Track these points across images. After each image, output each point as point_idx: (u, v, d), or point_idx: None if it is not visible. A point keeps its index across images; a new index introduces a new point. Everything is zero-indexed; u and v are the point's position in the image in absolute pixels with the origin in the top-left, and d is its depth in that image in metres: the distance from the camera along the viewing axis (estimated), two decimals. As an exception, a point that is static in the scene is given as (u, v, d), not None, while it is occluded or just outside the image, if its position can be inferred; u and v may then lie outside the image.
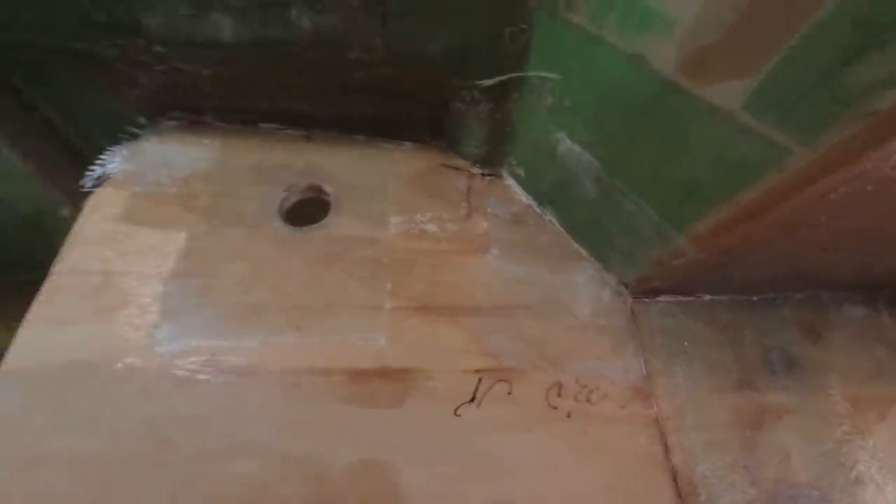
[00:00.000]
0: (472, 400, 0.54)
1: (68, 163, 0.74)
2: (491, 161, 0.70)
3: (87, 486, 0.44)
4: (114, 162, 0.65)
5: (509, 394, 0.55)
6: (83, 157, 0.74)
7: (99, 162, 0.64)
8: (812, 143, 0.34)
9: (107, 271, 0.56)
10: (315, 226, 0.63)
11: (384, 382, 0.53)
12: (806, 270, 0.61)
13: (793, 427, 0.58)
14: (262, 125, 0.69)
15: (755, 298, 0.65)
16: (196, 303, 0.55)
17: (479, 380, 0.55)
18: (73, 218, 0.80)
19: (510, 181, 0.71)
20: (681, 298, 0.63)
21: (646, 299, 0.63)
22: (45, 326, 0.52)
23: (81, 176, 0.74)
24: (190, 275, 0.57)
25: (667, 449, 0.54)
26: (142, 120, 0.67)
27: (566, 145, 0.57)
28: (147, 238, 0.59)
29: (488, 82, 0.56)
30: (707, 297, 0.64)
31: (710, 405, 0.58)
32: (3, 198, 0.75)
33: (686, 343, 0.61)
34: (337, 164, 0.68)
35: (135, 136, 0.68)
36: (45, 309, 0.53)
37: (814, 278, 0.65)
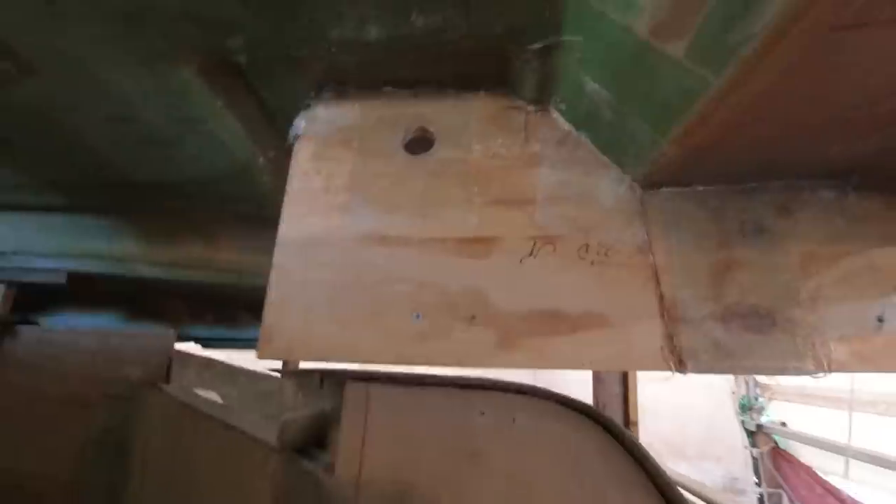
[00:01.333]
0: (531, 254, 0.88)
1: (265, 127, 1.15)
2: (540, 101, 0.99)
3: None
4: (300, 124, 1.04)
5: (554, 250, 0.88)
6: (274, 123, 1.14)
7: (292, 126, 1.04)
8: (717, 73, 0.60)
9: (310, 182, 0.97)
10: (426, 154, 0.99)
11: (478, 245, 0.89)
12: (777, 160, 0.84)
13: (753, 271, 0.85)
14: (384, 89, 1.04)
15: (739, 187, 0.90)
16: (366, 200, 0.94)
17: (534, 242, 0.89)
18: (268, 165, 1.24)
19: (555, 114, 0.99)
20: (678, 189, 0.90)
21: (652, 190, 0.91)
22: (290, 217, 0.94)
23: (273, 135, 1.16)
24: (358, 187, 0.96)
25: (657, 282, 0.85)
26: (311, 95, 1.05)
27: (590, 85, 0.84)
28: (327, 163, 0.99)
29: (536, 46, 0.85)
30: (700, 188, 0.90)
31: (692, 258, 0.86)
32: (229, 148, 1.19)
33: (679, 219, 0.89)
34: (436, 111, 1.02)
35: (307, 107, 1.06)
36: (289, 208, 0.95)
37: (788, 168, 0.87)
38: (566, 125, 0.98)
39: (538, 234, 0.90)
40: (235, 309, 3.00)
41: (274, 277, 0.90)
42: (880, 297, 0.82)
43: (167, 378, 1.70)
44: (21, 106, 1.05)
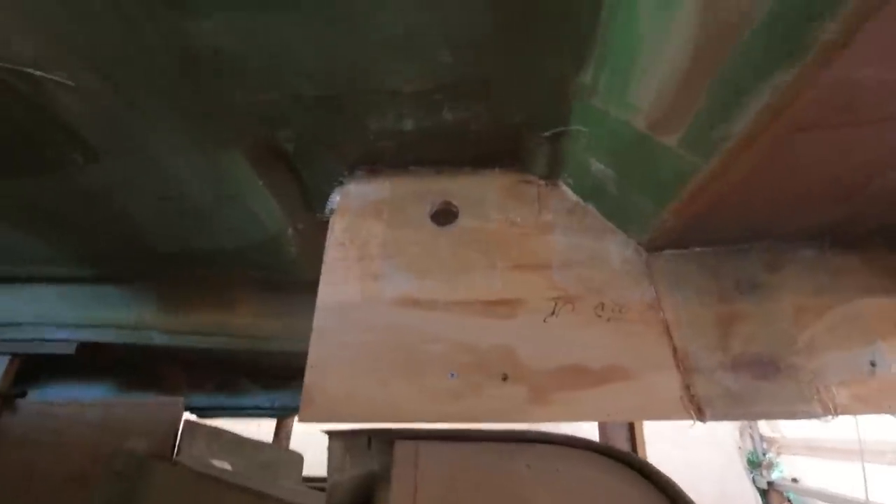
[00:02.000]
0: (553, 313, 0.97)
1: (298, 202, 1.27)
2: (550, 176, 1.13)
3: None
4: (335, 199, 1.16)
5: (573, 309, 0.97)
6: (306, 198, 1.26)
7: (328, 201, 1.16)
8: (706, 160, 0.73)
9: (346, 251, 1.06)
10: (451, 224, 1.10)
11: (503, 306, 0.98)
12: (760, 226, 0.97)
13: (752, 322, 0.94)
14: (411, 168, 1.17)
15: (731, 247, 1.02)
16: (399, 267, 1.03)
17: (556, 303, 0.98)
18: (296, 236, 1.34)
19: (564, 187, 1.13)
20: (678, 251, 1.02)
21: (655, 253, 1.02)
22: (327, 284, 1.02)
23: (304, 209, 1.28)
24: (390, 255, 1.05)
25: (670, 336, 0.93)
26: (344, 173, 1.18)
27: (596, 165, 0.98)
28: (361, 234, 1.09)
29: (547, 133, 0.99)
30: (697, 249, 1.02)
31: (698, 312, 0.96)
32: (262, 220, 1.29)
33: (682, 277, 0.99)
34: (457, 186, 1.14)
35: (340, 184, 1.19)
36: (327, 276, 1.03)
37: (771, 232, 1.00)
38: (574, 196, 1.11)
39: (558, 294, 0.99)
40: (237, 376, 2.95)
41: (314, 340, 0.96)
42: (869, 344, 0.91)
43: (174, 449, 1.66)
44: (77, 189, 1.14)
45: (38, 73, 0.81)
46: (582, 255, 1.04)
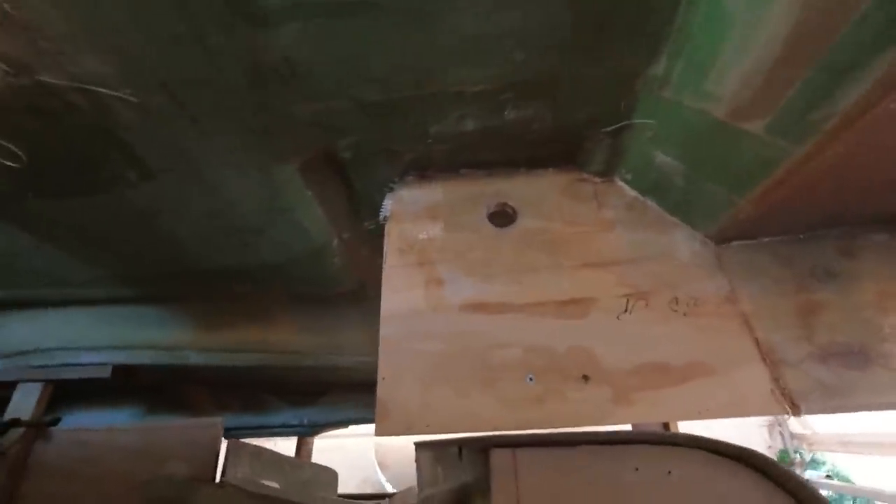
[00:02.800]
0: (626, 310, 0.94)
1: (346, 211, 1.25)
2: (606, 173, 1.11)
3: (444, 360, 0.90)
4: (388, 205, 1.14)
5: (647, 305, 0.94)
6: (354, 207, 1.24)
7: (382, 208, 1.14)
8: (797, 145, 0.71)
9: (405, 258, 1.04)
10: (510, 226, 1.08)
11: (575, 306, 0.95)
12: (837, 213, 0.95)
13: (835, 311, 0.91)
14: (462, 171, 1.16)
15: (800, 236, 0.99)
16: (462, 271, 1.01)
17: (627, 300, 0.95)
18: (341, 246, 1.32)
19: (620, 183, 1.11)
20: (747, 242, 0.99)
21: (724, 245, 1.00)
22: (391, 292, 1.00)
23: (350, 218, 1.26)
24: (451, 259, 1.03)
25: (750, 328, 0.91)
26: (395, 179, 1.16)
27: (661, 157, 0.97)
28: (419, 239, 1.07)
29: (610, 129, 0.98)
30: (766, 239, 1.00)
31: (777, 302, 0.93)
32: (309, 233, 1.27)
33: (755, 268, 0.97)
34: (512, 187, 1.13)
35: (390, 190, 1.17)
36: (389, 283, 1.01)
37: (845, 218, 0.98)
38: (632, 192, 1.09)
39: (629, 291, 0.96)
40: (262, 394, 2.91)
41: (383, 352, 0.93)
42: (959, 328, 0.88)
43: (215, 471, 1.62)
44: (127, 209, 1.13)
45: (103, 90, 0.80)
46: (648, 250, 1.01)
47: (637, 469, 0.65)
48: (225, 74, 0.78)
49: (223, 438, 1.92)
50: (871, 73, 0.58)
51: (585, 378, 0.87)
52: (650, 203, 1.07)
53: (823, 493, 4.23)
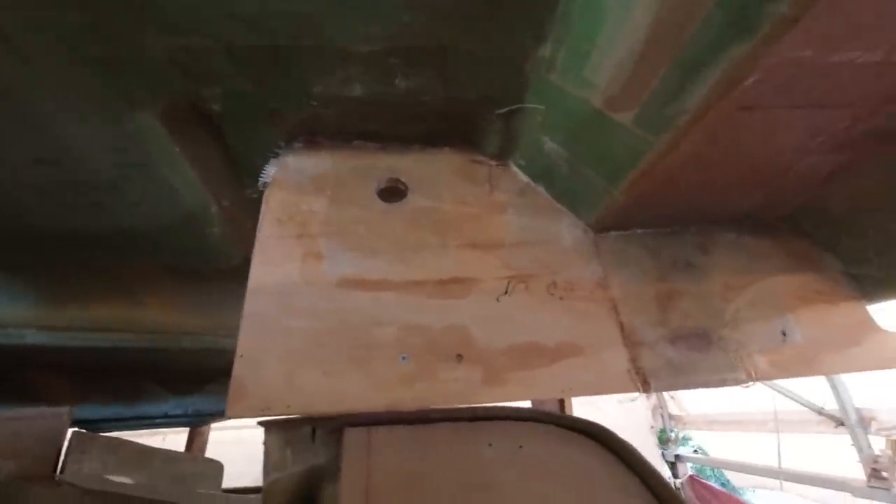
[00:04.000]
0: (506, 292, 0.95)
1: (223, 174, 1.12)
2: (502, 156, 1.11)
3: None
4: (270, 171, 1.04)
5: (526, 288, 0.96)
6: (233, 171, 1.12)
7: (262, 174, 1.03)
8: (658, 137, 0.75)
9: (283, 228, 0.95)
10: (400, 202, 1.03)
11: (456, 286, 0.94)
12: (694, 211, 1.04)
13: (689, 299, 1.00)
14: (355, 142, 1.09)
15: (667, 230, 1.08)
16: (344, 246, 0.94)
17: (509, 282, 0.96)
18: (221, 215, 1.19)
19: (514, 168, 1.12)
20: (622, 232, 1.05)
21: (602, 234, 1.05)
22: (262, 264, 0.91)
23: (230, 183, 1.13)
24: (334, 234, 0.96)
25: (617, 312, 0.96)
26: (280, 144, 1.06)
27: (549, 144, 0.98)
28: (301, 210, 0.98)
29: (502, 110, 0.97)
30: (639, 231, 1.07)
31: (641, 289, 1.00)
32: (180, 195, 1.11)
33: (626, 257, 1.03)
34: (406, 164, 1.08)
35: (275, 155, 1.06)
36: (262, 254, 0.92)
37: (702, 216, 1.07)
38: (525, 178, 1.11)
39: (510, 273, 0.97)
40: (138, 381, 2.59)
41: (245, 327, 0.84)
42: (781, 316, 1.01)
43: (55, 468, 1.39)
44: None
45: None
46: (534, 235, 1.03)
47: (491, 444, 0.65)
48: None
49: (76, 431, 1.66)
50: (713, 72, 0.62)
51: (459, 357, 0.86)
52: (540, 189, 1.09)
53: (689, 464, 4.87)
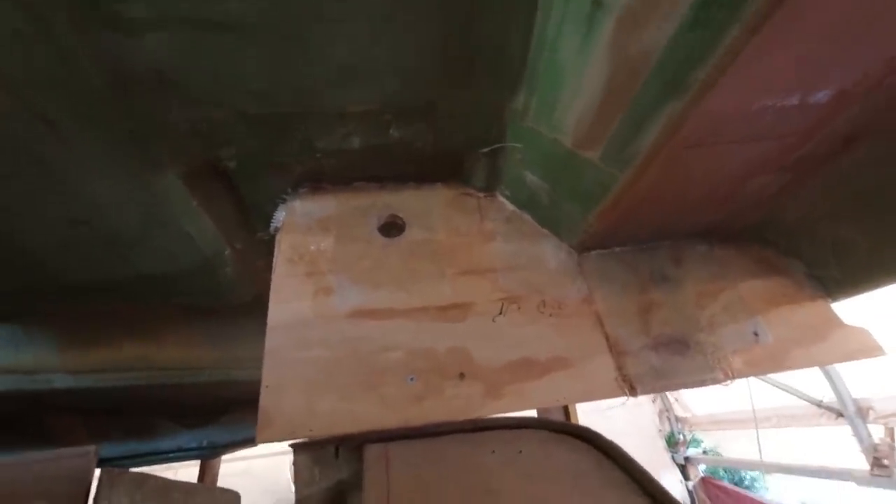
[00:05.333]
0: (501, 313, 1.05)
1: (237, 221, 1.22)
2: (489, 189, 1.22)
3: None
4: (280, 216, 1.14)
5: (518, 308, 1.06)
6: (246, 217, 1.22)
7: (273, 219, 1.14)
8: (622, 171, 0.86)
9: (295, 268, 1.05)
10: (399, 237, 1.14)
11: (455, 310, 1.04)
12: (666, 228, 1.15)
13: (666, 308, 1.10)
14: (355, 184, 1.20)
15: (643, 246, 1.19)
16: (350, 280, 1.04)
17: (502, 303, 1.06)
18: (233, 256, 1.29)
19: (501, 198, 1.23)
20: (602, 251, 1.16)
21: (584, 254, 1.15)
22: (278, 302, 1.01)
23: (242, 228, 1.24)
24: (341, 269, 1.07)
25: (602, 325, 1.06)
26: (288, 190, 1.17)
27: (530, 177, 1.10)
28: (309, 250, 1.09)
29: (485, 150, 1.09)
30: (617, 249, 1.17)
31: (623, 302, 1.10)
32: (196, 243, 1.22)
33: (607, 273, 1.13)
34: (402, 200, 1.19)
35: (283, 201, 1.17)
36: (277, 293, 1.01)
37: (673, 232, 1.18)
38: (511, 206, 1.22)
39: (504, 296, 1.07)
40: (151, 417, 2.65)
41: (268, 361, 0.94)
42: (751, 318, 1.12)
43: (86, 507, 1.45)
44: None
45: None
46: (522, 258, 1.14)
47: (493, 451, 0.74)
48: (81, 77, 0.75)
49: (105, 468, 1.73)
50: (657, 122, 0.74)
51: (462, 376, 0.95)
52: (526, 216, 1.20)
53: (702, 466, 4.88)
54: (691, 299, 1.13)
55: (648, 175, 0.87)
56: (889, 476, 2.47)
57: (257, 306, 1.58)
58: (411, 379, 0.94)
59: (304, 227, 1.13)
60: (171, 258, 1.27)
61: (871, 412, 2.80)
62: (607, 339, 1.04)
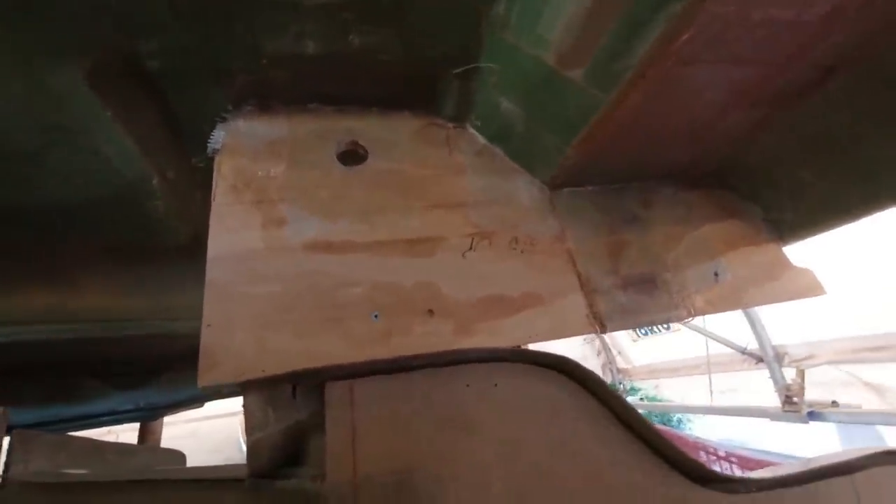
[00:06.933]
0: (471, 248, 0.98)
1: (166, 142, 1.04)
2: (459, 119, 1.13)
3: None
4: (219, 137, 0.98)
5: (490, 244, 1.00)
6: (177, 138, 1.05)
7: (210, 140, 0.97)
8: (607, 92, 0.80)
9: (240, 196, 0.92)
10: (361, 165, 1.02)
11: (423, 244, 0.96)
12: (637, 167, 1.12)
13: (635, 248, 1.09)
14: (310, 105, 1.05)
15: (614, 186, 1.16)
16: (306, 210, 0.93)
17: (473, 238, 0.99)
18: (165, 187, 1.12)
19: (472, 130, 1.14)
20: (575, 189, 1.12)
21: (557, 191, 1.11)
22: (221, 231, 0.87)
23: (174, 152, 1.07)
24: (295, 198, 0.94)
25: (574, 263, 1.03)
26: (228, 107, 1.00)
27: (505, 104, 1.01)
28: (257, 176, 0.95)
29: (458, 70, 0.98)
30: (590, 187, 1.14)
31: (594, 241, 1.07)
32: (114, 166, 1.03)
33: (579, 211, 1.10)
34: (364, 127, 1.07)
35: (223, 120, 1.01)
36: (219, 222, 0.88)
37: (643, 172, 1.16)
38: (482, 139, 1.13)
39: (474, 231, 1.01)
40: (77, 377, 2.40)
41: (210, 296, 0.82)
42: (713, 260, 1.13)
43: (-2, 473, 1.28)
44: None
45: None
46: (494, 194, 1.07)
47: (468, 385, 0.69)
48: None
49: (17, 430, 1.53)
50: (655, 28, 0.67)
51: (430, 312, 0.89)
52: (497, 150, 1.13)
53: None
54: (659, 240, 1.13)
55: (632, 98, 0.81)
56: (798, 412, 2.80)
57: (198, 248, 1.41)
58: (375, 316, 0.86)
59: (250, 150, 0.98)
60: (84, 184, 1.08)
61: (786, 357, 3.13)
62: (579, 277, 1.02)
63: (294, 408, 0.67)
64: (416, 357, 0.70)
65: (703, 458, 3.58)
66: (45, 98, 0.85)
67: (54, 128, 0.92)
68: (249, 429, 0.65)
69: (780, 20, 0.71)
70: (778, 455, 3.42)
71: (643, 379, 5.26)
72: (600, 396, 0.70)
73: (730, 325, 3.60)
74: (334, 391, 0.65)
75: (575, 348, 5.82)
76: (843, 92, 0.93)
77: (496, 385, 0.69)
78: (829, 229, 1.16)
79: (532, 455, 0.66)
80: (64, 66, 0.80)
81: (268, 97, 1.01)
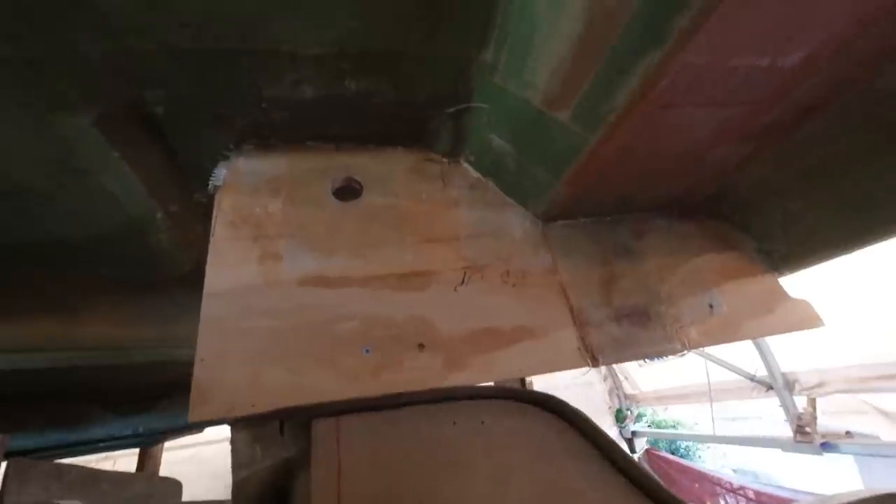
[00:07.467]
0: (463, 282, 1.00)
1: (169, 180, 1.09)
2: (453, 154, 1.16)
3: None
4: (220, 174, 1.02)
5: (482, 277, 1.01)
6: (180, 176, 1.09)
7: (212, 177, 1.01)
8: (593, 133, 0.83)
9: (237, 231, 0.94)
10: (355, 200, 1.05)
11: (416, 278, 0.97)
12: (629, 200, 1.14)
13: (628, 280, 1.10)
14: (307, 143, 1.09)
15: (607, 218, 1.17)
16: (302, 246, 0.95)
17: (465, 272, 1.01)
18: (167, 222, 1.16)
19: (465, 165, 1.17)
20: (568, 221, 1.14)
21: (550, 223, 1.12)
22: (217, 266, 0.90)
23: (176, 188, 1.11)
24: (292, 234, 0.97)
25: (566, 296, 1.04)
26: (230, 146, 1.05)
27: (496, 141, 1.04)
28: (255, 212, 0.98)
29: (451, 110, 1.02)
30: (582, 219, 1.15)
31: (586, 273, 1.08)
32: (121, 203, 1.07)
33: (572, 244, 1.11)
34: (360, 163, 1.10)
35: (225, 158, 1.05)
36: (217, 257, 0.91)
37: (635, 204, 1.18)
38: (475, 173, 1.16)
39: (467, 264, 1.02)
40: (78, 404, 2.41)
41: (204, 331, 0.83)
42: (707, 291, 1.14)
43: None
44: None
45: None
46: (486, 227, 1.09)
47: (455, 423, 0.70)
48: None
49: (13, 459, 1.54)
50: (635, 75, 0.70)
51: (421, 346, 0.90)
52: (490, 184, 1.15)
53: (645, 438, 5.20)
54: (652, 272, 1.14)
55: (618, 137, 0.84)
56: (810, 442, 2.71)
57: (199, 277, 1.45)
58: (367, 350, 0.87)
59: (249, 187, 1.02)
60: (92, 221, 1.12)
61: (797, 384, 3.06)
62: (571, 310, 1.02)
63: (282, 444, 0.68)
64: (402, 395, 0.70)
65: (714, 491, 3.46)
66: (55, 142, 0.89)
67: (65, 169, 0.96)
68: (236, 466, 0.66)
69: (756, 66, 0.73)
70: (791, 490, 3.30)
71: (650, 404, 5.14)
72: (588, 434, 0.70)
73: (738, 351, 3.54)
74: (320, 428, 0.66)
75: (579, 374, 5.73)
76: (827, 128, 0.95)
77: (483, 422, 0.70)
78: (822, 261, 1.16)
79: (519, 493, 0.65)
80: (74, 115, 0.85)
81: (267, 137, 1.05)
